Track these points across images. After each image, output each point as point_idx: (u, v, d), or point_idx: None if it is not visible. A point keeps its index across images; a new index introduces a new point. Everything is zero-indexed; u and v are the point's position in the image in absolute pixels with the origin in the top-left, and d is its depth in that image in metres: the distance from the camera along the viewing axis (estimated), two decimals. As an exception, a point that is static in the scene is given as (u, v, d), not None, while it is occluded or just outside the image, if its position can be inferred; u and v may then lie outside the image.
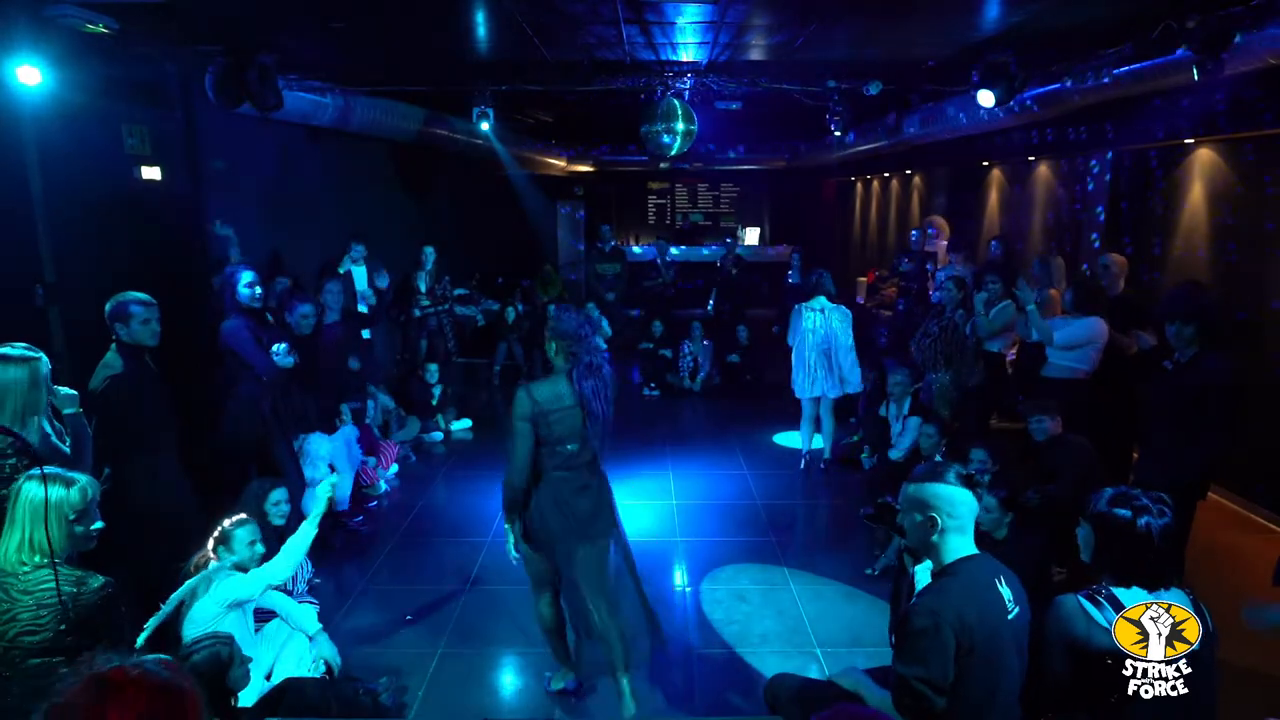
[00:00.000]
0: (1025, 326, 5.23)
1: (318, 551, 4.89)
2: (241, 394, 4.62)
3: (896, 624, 2.56)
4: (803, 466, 6.62)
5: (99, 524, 2.50)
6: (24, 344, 2.94)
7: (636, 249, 14.37)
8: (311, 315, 5.12)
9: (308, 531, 3.48)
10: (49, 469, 2.39)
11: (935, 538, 2.29)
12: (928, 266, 8.64)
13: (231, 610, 3.18)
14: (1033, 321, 5.09)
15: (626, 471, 6.65)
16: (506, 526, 3.36)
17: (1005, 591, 2.27)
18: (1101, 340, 4.92)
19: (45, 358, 2.97)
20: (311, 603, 4.04)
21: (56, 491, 2.36)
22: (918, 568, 2.67)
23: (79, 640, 2.27)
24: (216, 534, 3.35)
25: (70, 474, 2.47)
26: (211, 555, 3.31)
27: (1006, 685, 2.25)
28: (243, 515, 3.44)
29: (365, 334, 7.18)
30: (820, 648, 4.09)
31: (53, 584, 2.26)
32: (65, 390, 3.16)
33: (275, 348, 4.67)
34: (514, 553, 3.37)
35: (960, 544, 2.30)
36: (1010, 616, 2.24)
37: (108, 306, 3.73)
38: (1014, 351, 6.31)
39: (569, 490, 3.27)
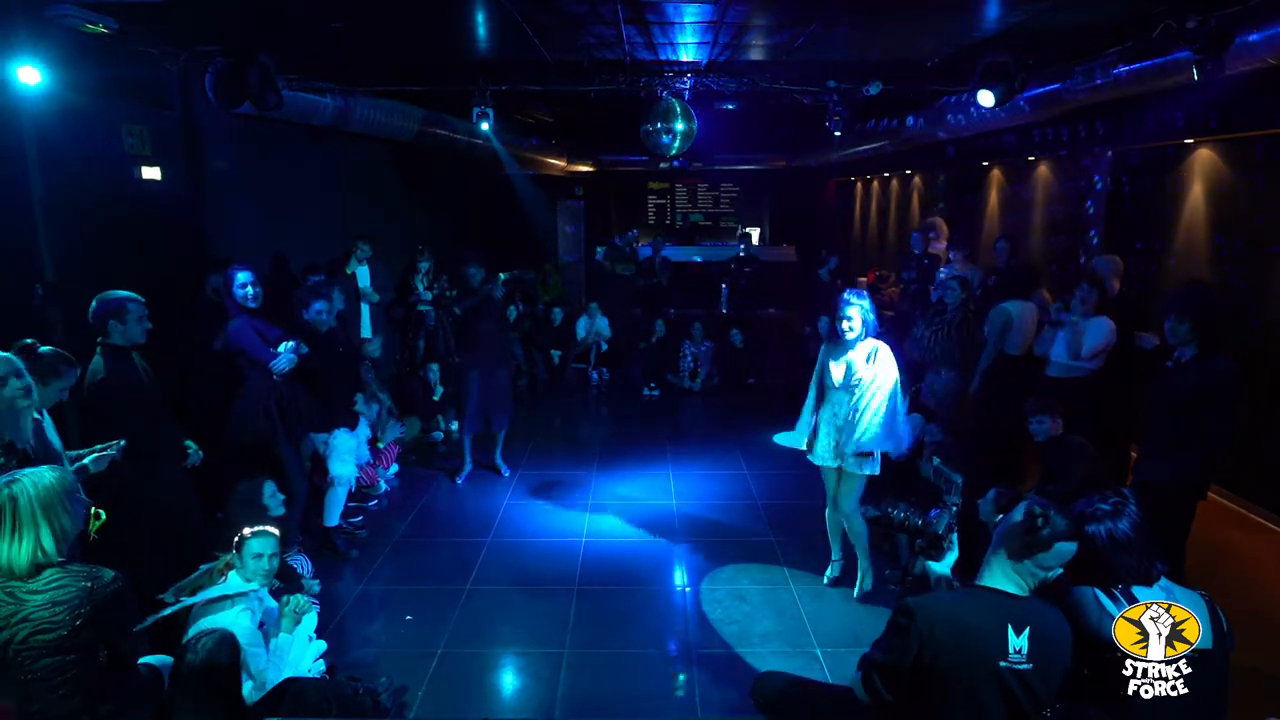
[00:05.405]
0: (1047, 342, 5.18)
1: (317, 552, 4.91)
2: (250, 393, 4.60)
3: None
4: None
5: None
6: None
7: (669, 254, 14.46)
8: (325, 311, 5.06)
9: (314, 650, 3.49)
10: (27, 469, 2.36)
11: (989, 553, 2.30)
12: (925, 262, 8.64)
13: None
14: (1067, 340, 5.03)
15: (627, 471, 6.67)
16: None
17: (1017, 641, 2.14)
18: (1112, 340, 4.92)
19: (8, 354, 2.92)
20: (313, 603, 4.02)
21: (53, 476, 2.33)
22: (938, 565, 2.67)
23: (93, 635, 2.27)
24: (237, 539, 3.28)
25: (40, 466, 2.43)
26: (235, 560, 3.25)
27: None
28: (265, 527, 3.32)
29: (367, 334, 7.19)
30: (820, 648, 4.10)
31: (64, 580, 2.26)
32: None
33: (282, 347, 4.63)
34: None
35: (992, 575, 2.26)
36: (1005, 662, 2.13)
37: (96, 305, 3.69)
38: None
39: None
